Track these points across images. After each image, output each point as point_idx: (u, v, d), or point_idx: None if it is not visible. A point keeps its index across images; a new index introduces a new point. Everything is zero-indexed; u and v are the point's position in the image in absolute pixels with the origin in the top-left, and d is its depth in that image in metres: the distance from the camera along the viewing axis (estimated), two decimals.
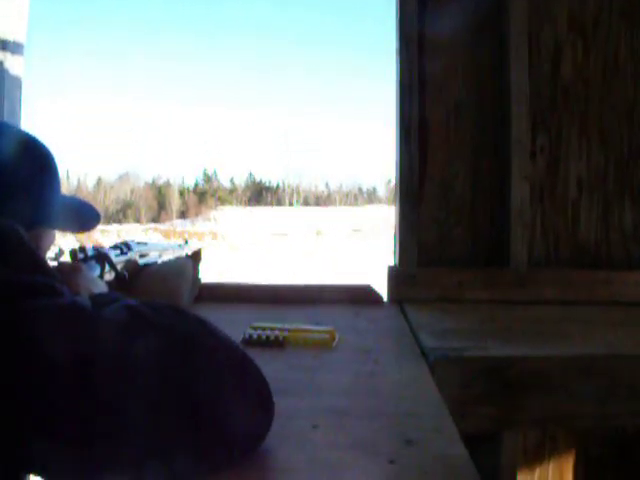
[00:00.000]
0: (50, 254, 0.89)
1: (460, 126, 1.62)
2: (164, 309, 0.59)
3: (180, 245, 1.50)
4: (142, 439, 0.50)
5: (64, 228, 0.88)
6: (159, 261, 1.32)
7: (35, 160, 0.77)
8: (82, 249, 1.08)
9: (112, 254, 1.14)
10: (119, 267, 1.15)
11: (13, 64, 2.73)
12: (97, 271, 1.08)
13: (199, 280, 1.33)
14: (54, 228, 0.82)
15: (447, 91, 1.62)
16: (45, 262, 0.64)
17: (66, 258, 1.05)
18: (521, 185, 1.56)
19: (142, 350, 0.52)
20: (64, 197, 0.85)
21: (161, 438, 0.51)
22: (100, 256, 1.10)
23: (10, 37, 2.74)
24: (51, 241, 0.82)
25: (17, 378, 0.49)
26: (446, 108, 1.62)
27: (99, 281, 1.03)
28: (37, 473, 0.54)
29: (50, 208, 0.78)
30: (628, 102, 1.61)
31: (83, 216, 0.91)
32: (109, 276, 1.12)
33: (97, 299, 0.61)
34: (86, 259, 1.08)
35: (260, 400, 0.59)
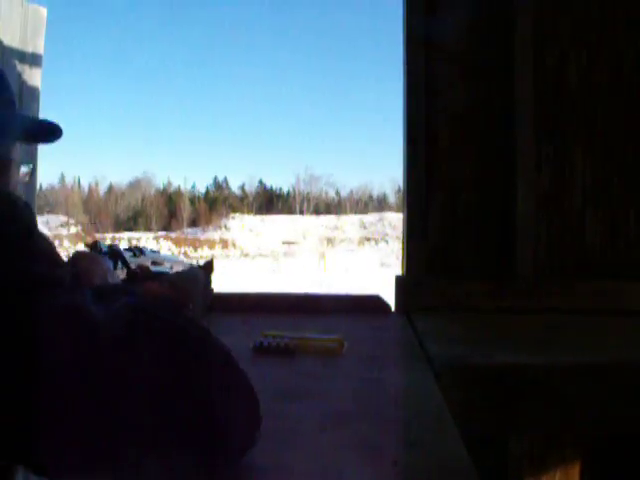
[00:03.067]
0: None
1: (466, 137, 1.65)
2: (167, 313, 0.58)
3: (193, 264, 1.52)
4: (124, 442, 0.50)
5: (29, 140, 0.90)
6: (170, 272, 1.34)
7: None
8: (96, 243, 1.13)
9: (126, 254, 1.20)
10: (132, 267, 1.19)
11: (31, 75, 2.80)
12: (110, 266, 1.13)
13: (211, 290, 1.36)
14: (21, 141, 0.83)
15: (453, 103, 1.65)
16: (57, 253, 0.65)
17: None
18: (527, 195, 1.59)
19: (137, 356, 0.52)
20: (22, 115, 0.87)
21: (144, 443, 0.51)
22: (113, 252, 1.16)
23: (28, 48, 2.81)
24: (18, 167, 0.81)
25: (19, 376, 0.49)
26: (452, 120, 1.65)
27: (114, 273, 1.07)
28: (36, 472, 0.54)
29: (13, 123, 0.79)
30: (633, 112, 1.63)
31: (46, 128, 0.89)
32: (121, 273, 1.17)
33: (106, 290, 0.62)
34: (100, 253, 1.13)
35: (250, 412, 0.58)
